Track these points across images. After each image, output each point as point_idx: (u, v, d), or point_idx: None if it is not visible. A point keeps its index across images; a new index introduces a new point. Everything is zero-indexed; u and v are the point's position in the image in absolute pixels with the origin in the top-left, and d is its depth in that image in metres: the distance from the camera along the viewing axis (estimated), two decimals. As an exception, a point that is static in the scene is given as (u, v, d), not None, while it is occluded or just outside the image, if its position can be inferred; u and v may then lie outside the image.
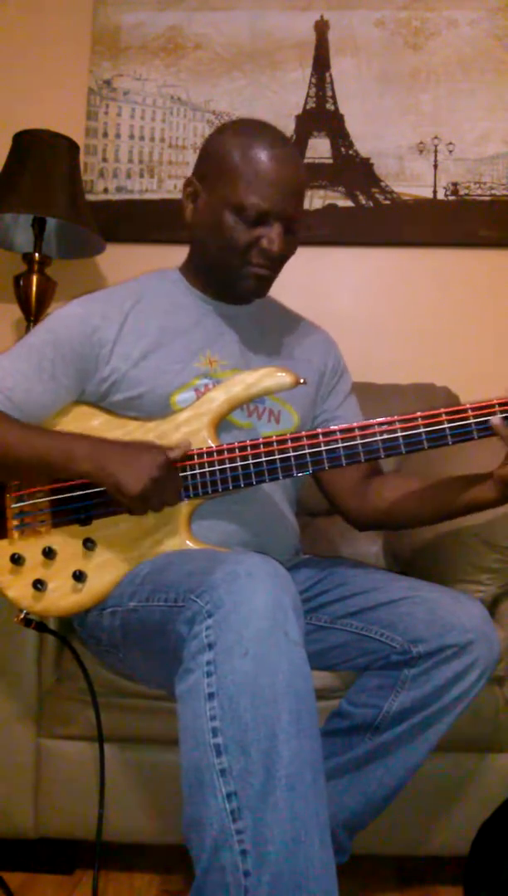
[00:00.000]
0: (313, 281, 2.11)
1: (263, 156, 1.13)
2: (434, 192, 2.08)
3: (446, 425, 1.06)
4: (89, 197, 2.06)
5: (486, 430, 1.05)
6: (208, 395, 1.14)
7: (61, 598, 1.08)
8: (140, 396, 1.16)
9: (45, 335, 1.17)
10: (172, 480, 1.07)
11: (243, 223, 1.14)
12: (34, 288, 1.91)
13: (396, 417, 1.08)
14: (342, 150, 2.12)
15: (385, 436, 1.07)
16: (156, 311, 1.22)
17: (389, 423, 1.07)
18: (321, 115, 2.12)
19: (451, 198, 2.08)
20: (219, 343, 1.22)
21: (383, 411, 1.76)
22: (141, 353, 1.17)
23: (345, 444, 1.08)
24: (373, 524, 1.29)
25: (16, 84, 2.18)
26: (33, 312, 1.93)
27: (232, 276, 1.19)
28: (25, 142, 1.89)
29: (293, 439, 1.09)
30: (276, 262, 1.19)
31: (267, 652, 0.83)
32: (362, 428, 1.08)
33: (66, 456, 1.07)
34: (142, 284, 1.26)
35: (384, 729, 1.09)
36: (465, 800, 1.25)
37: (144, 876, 1.30)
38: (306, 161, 2.11)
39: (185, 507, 1.11)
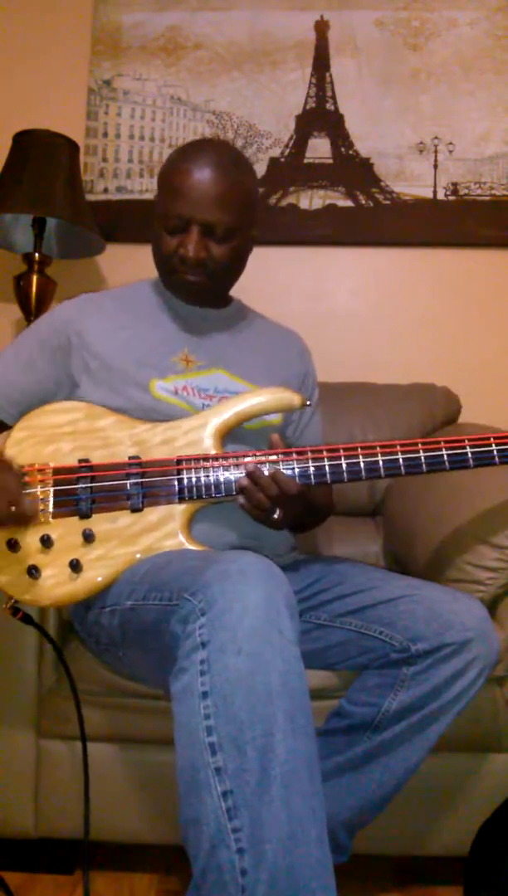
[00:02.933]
0: (313, 281, 2.12)
1: (183, 167, 1.20)
2: (434, 192, 2.08)
3: (444, 452, 1.12)
4: (89, 197, 2.06)
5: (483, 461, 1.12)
6: (217, 407, 1.18)
7: (55, 586, 1.08)
8: (121, 380, 1.20)
9: (29, 330, 1.29)
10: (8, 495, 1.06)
11: (166, 232, 1.22)
12: (34, 288, 1.92)
13: (397, 441, 1.13)
14: (342, 150, 2.12)
15: (387, 457, 1.12)
16: (135, 309, 1.30)
17: (390, 446, 1.12)
18: (321, 115, 2.12)
19: (451, 198, 2.08)
20: (195, 343, 1.28)
21: (383, 411, 1.78)
22: (120, 343, 1.24)
23: (348, 460, 1.11)
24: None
25: (16, 84, 2.18)
26: (33, 312, 1.93)
27: (170, 284, 1.28)
28: (25, 142, 1.89)
29: (298, 452, 1.12)
30: (197, 268, 1.22)
31: (261, 650, 0.83)
32: (364, 448, 1.12)
33: None
34: (124, 289, 1.35)
35: (383, 728, 1.09)
36: (465, 800, 1.25)
37: (142, 876, 1.30)
38: (306, 161, 2.11)
39: (185, 509, 1.12)
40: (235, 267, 1.27)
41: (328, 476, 1.11)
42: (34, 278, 1.91)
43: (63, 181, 1.88)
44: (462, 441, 1.12)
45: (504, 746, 1.25)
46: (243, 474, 1.09)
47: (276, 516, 1.09)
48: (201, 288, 1.25)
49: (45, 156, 1.87)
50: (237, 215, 1.21)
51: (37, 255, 1.91)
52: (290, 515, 1.11)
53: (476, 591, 1.24)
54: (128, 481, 1.12)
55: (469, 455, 1.12)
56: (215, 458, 1.12)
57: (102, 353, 1.22)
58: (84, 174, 2.08)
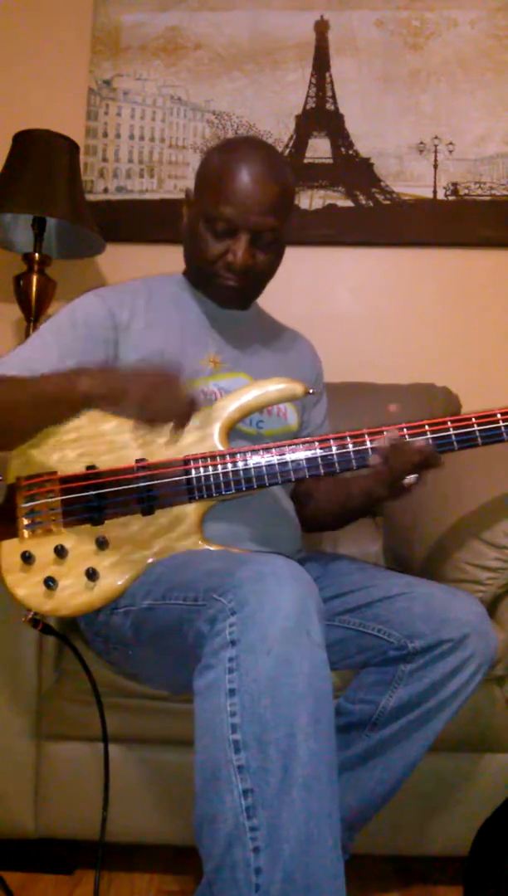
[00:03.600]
0: (313, 281, 2.12)
1: (235, 170, 1.17)
2: (434, 192, 2.09)
3: (451, 432, 1.11)
4: (89, 197, 2.06)
5: (491, 438, 1.12)
6: (220, 401, 1.16)
7: (72, 596, 1.08)
8: None
9: (63, 318, 1.22)
10: (178, 389, 1.03)
11: (212, 234, 1.19)
12: (34, 288, 1.92)
13: (403, 424, 1.12)
14: (342, 150, 2.12)
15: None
16: (164, 308, 1.27)
17: (397, 429, 1.11)
18: (321, 115, 2.12)
19: (451, 198, 2.08)
20: (221, 345, 1.27)
21: (382, 411, 1.77)
22: (150, 345, 1.21)
23: (355, 447, 1.11)
24: (308, 527, 1.35)
25: (16, 84, 2.18)
26: (33, 312, 1.93)
27: (208, 286, 1.26)
28: (25, 142, 1.89)
29: (304, 444, 1.12)
30: (242, 275, 1.20)
31: (290, 652, 0.84)
32: (370, 434, 1.12)
33: (65, 380, 1.05)
34: (150, 284, 1.31)
35: (382, 725, 1.09)
36: (465, 800, 1.25)
37: (144, 876, 1.30)
38: (306, 161, 2.11)
39: (196, 508, 1.12)
40: (274, 272, 1.26)
41: (336, 465, 1.11)
42: (34, 278, 1.91)
43: (63, 181, 1.88)
44: (469, 419, 1.12)
45: (503, 746, 1.25)
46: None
47: (406, 482, 1.10)
48: (240, 294, 1.24)
49: (45, 156, 1.87)
50: (284, 221, 1.20)
51: (37, 255, 1.91)
52: (420, 486, 1.12)
53: (476, 590, 1.24)
54: (136, 485, 1.11)
55: (477, 432, 1.11)
56: (223, 456, 1.11)
57: (133, 354, 1.20)
58: (84, 174, 2.08)
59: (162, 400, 1.02)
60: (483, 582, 1.25)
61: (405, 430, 1.11)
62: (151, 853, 1.34)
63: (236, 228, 1.17)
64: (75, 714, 1.22)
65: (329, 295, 2.13)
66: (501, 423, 1.12)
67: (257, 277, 1.23)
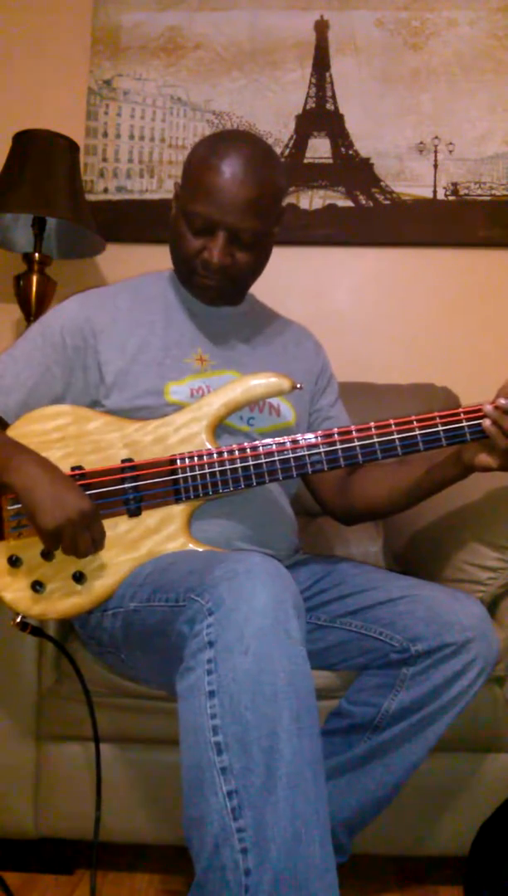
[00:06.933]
0: (313, 281, 2.12)
1: (215, 166, 1.14)
2: (434, 192, 2.08)
3: (440, 428, 1.09)
4: (89, 197, 2.06)
5: (479, 433, 1.08)
6: (206, 398, 1.15)
7: (60, 599, 1.08)
8: (134, 386, 1.18)
9: (38, 327, 1.23)
10: (91, 531, 1.04)
11: (190, 231, 1.17)
12: (34, 288, 1.91)
13: (391, 420, 1.10)
14: (342, 150, 2.12)
15: (382, 438, 1.10)
16: (150, 307, 1.26)
17: (385, 426, 1.10)
18: (321, 115, 2.12)
19: (451, 198, 2.08)
20: (211, 342, 1.26)
21: (382, 411, 1.77)
22: (134, 345, 1.21)
23: (343, 445, 1.10)
24: (357, 518, 1.33)
25: (16, 84, 2.18)
26: (33, 312, 1.92)
27: (189, 283, 1.25)
28: (25, 142, 1.89)
29: (292, 441, 1.11)
30: (219, 274, 1.18)
31: (268, 650, 0.83)
32: (359, 430, 1.11)
33: (2, 462, 1.05)
34: (137, 283, 1.31)
35: (383, 728, 1.09)
36: (465, 800, 1.25)
37: (143, 876, 1.30)
38: (306, 161, 2.11)
39: (184, 509, 1.11)
40: (258, 271, 1.24)
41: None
42: (34, 278, 1.91)
43: (63, 181, 1.88)
44: (458, 414, 1.09)
45: (504, 746, 1.25)
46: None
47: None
48: (219, 293, 1.22)
49: (45, 156, 1.87)
50: (265, 221, 1.17)
51: (37, 255, 1.91)
52: None
53: (476, 591, 1.25)
54: (123, 486, 1.11)
55: (466, 429, 1.08)
56: (211, 455, 1.11)
57: (116, 357, 1.19)
58: (84, 174, 2.08)
59: (70, 538, 1.02)
60: (483, 582, 1.25)
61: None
62: (150, 853, 1.34)
63: (214, 226, 1.15)
64: (75, 714, 1.21)
65: (329, 295, 2.13)
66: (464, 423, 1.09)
67: (236, 276, 1.20)
